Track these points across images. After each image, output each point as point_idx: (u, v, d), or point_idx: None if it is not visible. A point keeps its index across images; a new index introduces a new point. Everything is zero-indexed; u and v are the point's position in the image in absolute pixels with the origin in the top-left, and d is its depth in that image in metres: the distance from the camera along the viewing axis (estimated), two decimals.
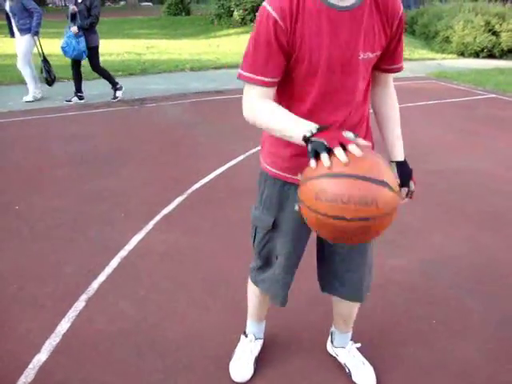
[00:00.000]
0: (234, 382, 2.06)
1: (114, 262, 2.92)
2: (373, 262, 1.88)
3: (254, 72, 1.41)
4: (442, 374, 2.15)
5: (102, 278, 2.77)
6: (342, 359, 2.15)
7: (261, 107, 1.42)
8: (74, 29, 6.25)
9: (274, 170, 1.69)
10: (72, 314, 2.46)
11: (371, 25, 1.41)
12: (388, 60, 1.57)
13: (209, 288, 2.72)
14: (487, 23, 13.35)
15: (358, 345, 2.18)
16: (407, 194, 1.69)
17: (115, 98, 7.13)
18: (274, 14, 1.33)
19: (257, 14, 1.42)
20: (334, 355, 2.20)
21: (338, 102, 1.50)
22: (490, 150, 5.32)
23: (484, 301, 2.66)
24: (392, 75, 1.65)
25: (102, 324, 2.40)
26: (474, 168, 4.73)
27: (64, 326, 2.37)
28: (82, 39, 6.37)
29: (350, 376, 2.09)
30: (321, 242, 1.82)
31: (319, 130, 1.24)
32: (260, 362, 2.16)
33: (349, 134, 1.23)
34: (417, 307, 2.60)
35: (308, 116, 1.42)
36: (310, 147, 1.23)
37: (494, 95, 8.28)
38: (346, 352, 2.14)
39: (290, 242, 1.75)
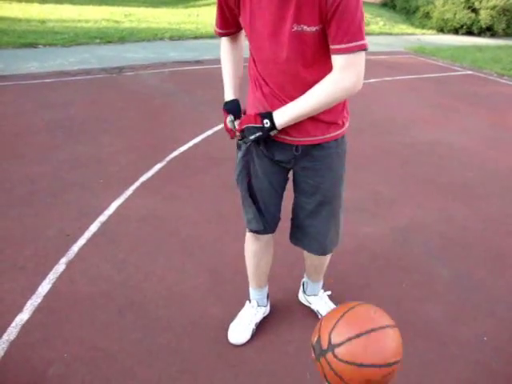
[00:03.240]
0: (209, 339, 2.15)
1: (94, 227, 2.96)
2: (340, 221, 1.97)
3: (216, 25, 1.77)
4: (408, 333, 2.27)
5: (81, 241, 2.80)
6: (314, 306, 2.31)
7: (222, 58, 1.86)
8: None
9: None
10: (53, 275, 2.50)
11: None
12: (328, 38, 1.50)
13: (186, 252, 2.79)
14: (467, 0, 13.43)
15: (329, 292, 2.34)
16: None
17: None
18: None
19: None
20: (307, 304, 2.35)
21: (274, 69, 1.61)
22: (464, 125, 5.45)
23: (451, 267, 2.79)
24: (338, 58, 1.50)
25: (83, 285, 2.45)
26: (448, 142, 4.85)
27: (45, 287, 2.42)
28: None
29: None
30: (294, 199, 1.94)
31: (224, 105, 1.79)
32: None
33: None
34: (388, 272, 2.72)
35: (260, 74, 1.68)
36: None
37: (470, 72, 8.41)
38: (319, 299, 2.30)
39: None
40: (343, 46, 1.46)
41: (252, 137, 1.65)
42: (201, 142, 4.41)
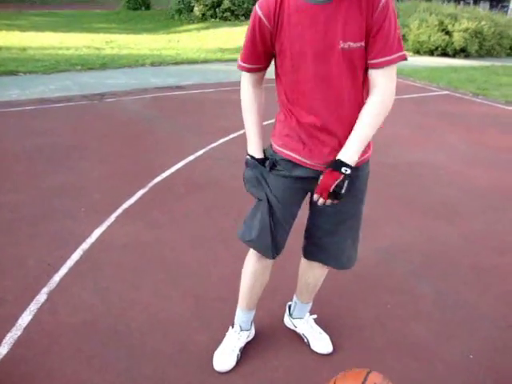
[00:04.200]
0: (195, 366, 2.12)
1: (76, 255, 2.92)
2: (358, 238, 2.04)
3: (242, 60, 1.74)
4: (394, 353, 2.27)
5: (63, 270, 2.76)
6: (300, 330, 2.30)
7: (246, 100, 1.81)
8: None
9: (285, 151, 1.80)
10: (33, 307, 2.46)
11: (352, 13, 1.48)
12: (368, 53, 1.56)
13: (170, 279, 2.76)
14: (441, 23, 13.77)
15: (315, 316, 2.33)
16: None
17: None
18: (260, 14, 1.57)
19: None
20: (293, 327, 2.34)
21: (317, 91, 1.62)
22: (443, 144, 5.54)
23: (435, 286, 2.81)
24: (378, 73, 1.57)
25: (65, 316, 2.41)
26: (428, 161, 4.93)
27: (25, 319, 2.37)
28: None
29: (309, 345, 2.25)
30: (310, 219, 1.98)
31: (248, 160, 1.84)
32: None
33: None
34: (373, 294, 2.72)
35: (296, 99, 1.67)
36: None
37: (446, 92, 8.59)
38: (304, 322, 2.29)
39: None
40: (388, 58, 1.53)
41: (343, 190, 1.64)
42: (183, 167, 4.41)
